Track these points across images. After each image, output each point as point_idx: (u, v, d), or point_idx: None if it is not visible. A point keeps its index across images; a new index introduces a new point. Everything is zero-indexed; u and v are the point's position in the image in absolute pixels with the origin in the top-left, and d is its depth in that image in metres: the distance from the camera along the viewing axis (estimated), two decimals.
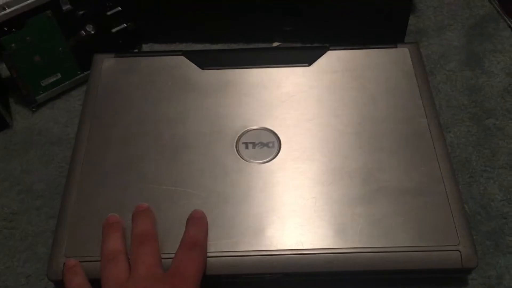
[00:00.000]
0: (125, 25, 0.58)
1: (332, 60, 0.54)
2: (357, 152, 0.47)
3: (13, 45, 0.51)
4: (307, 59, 0.54)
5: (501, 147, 0.52)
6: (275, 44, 0.62)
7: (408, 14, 0.59)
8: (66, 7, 0.53)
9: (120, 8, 0.57)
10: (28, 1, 0.51)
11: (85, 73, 0.57)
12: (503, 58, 0.59)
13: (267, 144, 0.47)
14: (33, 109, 0.56)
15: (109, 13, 0.56)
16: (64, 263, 0.41)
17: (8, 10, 0.50)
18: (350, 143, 0.47)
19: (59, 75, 0.56)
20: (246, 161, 0.46)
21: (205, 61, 0.54)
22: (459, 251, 0.41)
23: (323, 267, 0.41)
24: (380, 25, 0.58)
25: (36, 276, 0.44)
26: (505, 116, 0.54)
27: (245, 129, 0.48)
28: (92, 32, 0.56)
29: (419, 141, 0.47)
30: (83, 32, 0.56)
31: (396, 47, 0.55)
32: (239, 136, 0.48)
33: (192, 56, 0.54)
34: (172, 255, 0.40)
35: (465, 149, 0.52)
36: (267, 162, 0.46)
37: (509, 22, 0.63)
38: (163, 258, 0.41)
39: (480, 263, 0.44)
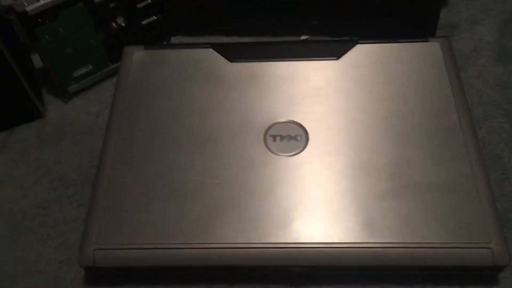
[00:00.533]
0: (154, 17, 0.59)
1: (361, 54, 0.53)
2: (385, 147, 0.46)
3: (46, 36, 0.52)
4: (336, 53, 0.53)
5: None
6: (303, 37, 0.62)
7: (440, 7, 0.58)
8: None
9: (150, 1, 0.57)
10: None
11: (116, 64, 0.58)
12: None
13: (294, 137, 0.47)
14: (65, 100, 0.57)
15: (139, 5, 0.57)
16: (94, 250, 0.41)
17: (42, 2, 0.51)
18: (378, 138, 0.47)
19: (90, 67, 0.57)
20: (273, 153, 0.46)
21: (233, 53, 0.54)
22: (491, 249, 0.40)
23: (351, 261, 0.41)
24: (411, 19, 0.58)
25: (67, 262, 0.45)
26: None
27: (272, 122, 0.48)
28: (123, 25, 0.57)
29: (449, 136, 0.47)
30: (114, 24, 0.56)
31: (427, 41, 0.54)
32: (266, 129, 0.48)
33: (220, 49, 0.54)
34: (197, 245, 0.41)
35: (497, 146, 0.51)
36: (295, 155, 0.46)
37: None
38: (188, 248, 0.41)
39: None
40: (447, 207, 0.42)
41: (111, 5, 0.55)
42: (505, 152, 0.50)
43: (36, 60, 0.58)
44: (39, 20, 0.51)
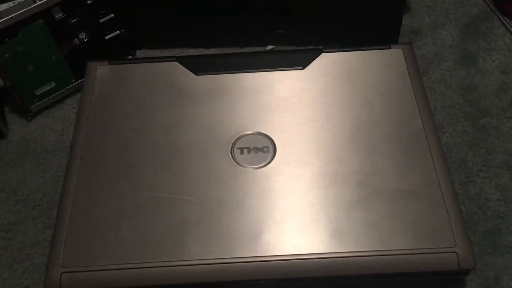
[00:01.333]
0: (118, 32, 0.58)
1: (326, 63, 0.54)
2: (352, 155, 0.47)
3: (6, 55, 0.51)
4: (301, 62, 0.54)
5: (497, 146, 0.52)
6: (269, 47, 0.62)
7: (402, 14, 0.59)
8: (59, 15, 0.53)
9: (113, 15, 0.57)
10: (21, 11, 0.51)
11: (79, 81, 0.57)
12: (497, 56, 0.59)
13: (262, 149, 0.47)
14: (28, 118, 0.56)
15: (102, 20, 0.56)
16: (60, 274, 0.41)
17: (0, 20, 0.50)
18: (345, 146, 0.47)
19: (53, 84, 0.56)
20: (241, 166, 0.46)
21: (199, 66, 0.54)
22: (456, 253, 0.41)
23: (320, 272, 0.41)
24: (374, 26, 0.59)
25: (34, 286, 0.44)
26: (500, 114, 0.54)
27: (240, 134, 0.48)
28: (85, 40, 0.56)
29: (414, 143, 0.47)
30: (76, 40, 0.56)
31: (389, 48, 0.55)
32: (234, 141, 0.48)
33: (186, 62, 0.54)
34: (168, 263, 0.41)
35: (460, 149, 0.52)
36: (262, 167, 0.46)
37: (502, 20, 0.63)
38: (158, 267, 0.41)
39: (478, 263, 0.44)
40: (413, 214, 0.43)
41: (73, 20, 0.54)
42: (468, 155, 0.51)
43: None
44: None
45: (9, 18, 0.50)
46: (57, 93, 0.57)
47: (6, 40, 0.51)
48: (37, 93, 0.55)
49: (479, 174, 0.50)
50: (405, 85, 0.51)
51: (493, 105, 0.55)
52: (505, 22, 0.62)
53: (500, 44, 0.60)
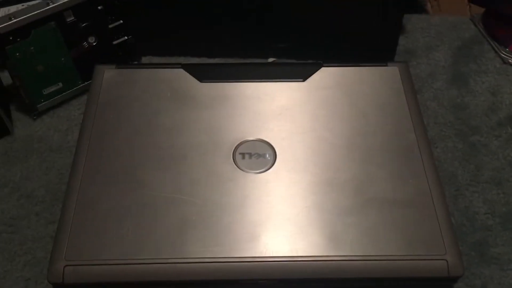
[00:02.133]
0: (125, 37, 0.60)
1: (326, 76, 0.56)
2: (348, 165, 0.49)
3: (17, 54, 0.53)
4: (302, 75, 0.56)
5: (486, 162, 0.54)
6: (270, 59, 0.64)
7: (398, 34, 0.62)
8: (70, 19, 0.55)
9: (121, 22, 0.59)
10: (33, 12, 0.52)
11: (86, 83, 0.59)
12: (487, 78, 0.62)
13: (263, 155, 0.49)
14: (34, 117, 0.57)
15: (111, 26, 0.58)
16: (64, 267, 0.42)
17: (14, 20, 0.52)
18: (341, 156, 0.49)
19: (60, 85, 0.57)
20: (242, 170, 0.48)
21: (203, 74, 0.56)
22: (446, 260, 0.43)
23: (316, 274, 0.43)
24: (372, 45, 0.61)
25: (34, 280, 0.45)
26: (489, 133, 0.57)
27: (241, 140, 0.50)
28: (94, 44, 0.58)
29: (407, 155, 0.49)
30: (85, 43, 0.57)
31: (386, 66, 0.57)
32: (236, 147, 0.50)
33: (191, 69, 0.56)
34: (168, 261, 0.42)
35: (451, 164, 0.54)
36: (262, 172, 0.48)
37: (493, 45, 0.66)
38: (159, 263, 0.42)
39: (466, 272, 0.46)
40: (406, 221, 0.45)
41: (83, 24, 0.56)
42: (459, 170, 0.53)
43: (5, 77, 0.58)
44: (10, 38, 0.52)
45: (23, 18, 0.52)
46: (64, 93, 0.58)
47: (18, 39, 0.52)
48: (44, 93, 0.57)
49: (468, 188, 0.52)
50: (400, 101, 0.54)
51: (482, 124, 0.57)
52: (495, 47, 0.66)
53: (490, 67, 0.63)
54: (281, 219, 0.45)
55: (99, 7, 0.56)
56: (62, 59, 0.56)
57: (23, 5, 0.56)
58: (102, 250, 0.43)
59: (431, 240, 0.44)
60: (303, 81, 0.56)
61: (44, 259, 0.46)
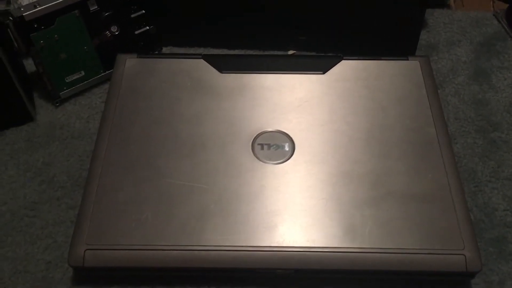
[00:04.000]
0: (147, 27, 0.60)
1: (346, 69, 0.56)
2: (366, 157, 0.49)
3: (41, 41, 0.54)
4: (322, 67, 0.56)
5: (506, 159, 0.53)
6: (290, 52, 0.64)
7: (420, 29, 0.62)
8: (93, 8, 0.56)
9: (144, 11, 0.59)
10: (58, 1, 0.53)
11: (107, 72, 0.60)
12: (509, 74, 0.61)
13: (281, 146, 0.49)
14: (57, 104, 0.58)
15: (133, 15, 0.59)
16: (84, 251, 0.42)
17: (38, 8, 0.52)
18: (360, 149, 0.49)
19: (82, 73, 0.58)
20: (261, 161, 0.48)
21: (224, 65, 0.56)
22: (464, 255, 0.42)
23: (332, 265, 0.43)
24: (393, 39, 0.61)
25: (55, 263, 0.46)
26: (511, 130, 0.56)
27: (260, 131, 0.50)
28: (116, 33, 0.59)
29: (427, 149, 0.49)
30: (107, 32, 0.58)
31: (407, 60, 0.57)
32: (254, 138, 0.50)
33: (211, 60, 0.56)
34: (186, 248, 0.42)
35: (471, 160, 0.53)
36: (281, 163, 0.48)
37: None
38: (177, 250, 0.42)
39: (483, 268, 0.45)
40: (424, 215, 0.45)
41: (106, 13, 0.57)
42: (478, 166, 0.53)
43: (29, 65, 0.59)
44: (35, 25, 0.53)
45: (48, 6, 0.53)
46: (86, 82, 0.59)
47: (43, 27, 0.53)
48: (67, 81, 0.58)
49: (487, 185, 0.51)
50: (421, 95, 0.54)
51: (504, 120, 0.57)
52: None
53: None
54: (298, 209, 0.45)
55: None
56: (85, 47, 0.57)
57: None
58: (122, 235, 0.44)
59: (449, 235, 0.44)
60: (323, 73, 0.56)
61: (65, 243, 0.47)
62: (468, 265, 0.42)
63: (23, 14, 0.52)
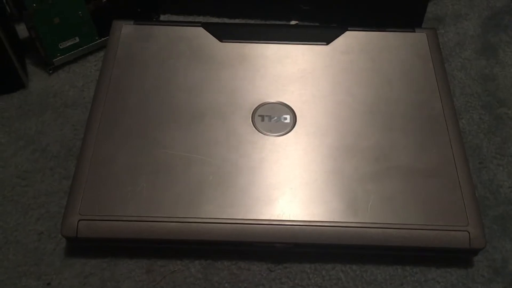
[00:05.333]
0: None
1: (350, 41, 0.54)
2: (370, 131, 0.47)
3: (34, 5, 0.51)
4: (326, 38, 0.54)
5: None
6: (293, 22, 0.62)
7: (427, 0, 0.59)
8: None
9: None
10: None
11: (103, 39, 0.57)
12: None
13: (282, 118, 0.48)
14: (50, 71, 0.56)
15: None
16: (78, 221, 0.41)
17: None
18: (363, 122, 0.48)
19: (77, 39, 0.56)
20: (261, 133, 0.47)
21: (224, 33, 0.54)
22: (468, 232, 0.41)
23: (332, 240, 0.42)
24: (399, 10, 0.59)
25: (48, 233, 0.45)
26: None
27: (261, 102, 0.49)
28: None
29: (432, 124, 0.48)
30: None
31: (414, 32, 0.55)
32: (255, 109, 0.48)
33: (211, 28, 0.54)
34: (183, 220, 0.41)
35: (476, 136, 0.52)
36: (282, 135, 0.47)
37: None
38: (173, 222, 0.41)
39: (487, 246, 0.44)
40: (428, 191, 0.44)
41: None
42: (484, 142, 0.52)
43: (21, 30, 0.57)
44: None
45: None
46: (80, 49, 0.57)
47: None
48: (61, 47, 0.55)
49: (493, 161, 0.50)
50: (427, 68, 0.52)
51: (511, 96, 0.55)
52: None
53: None
54: (299, 183, 0.44)
55: None
56: (79, 12, 0.55)
57: None
58: (116, 206, 0.42)
59: (454, 211, 0.43)
60: (327, 44, 0.54)
61: (58, 213, 0.46)
62: (472, 241, 0.41)
63: None
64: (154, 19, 0.61)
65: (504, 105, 0.55)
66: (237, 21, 0.62)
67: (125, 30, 0.54)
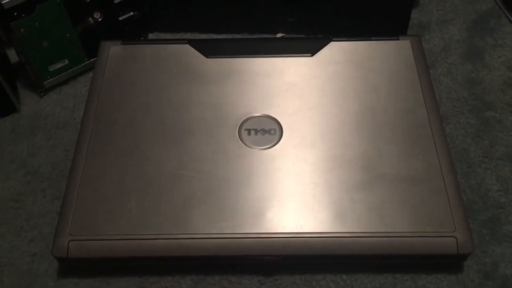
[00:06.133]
0: (131, 13, 0.59)
1: (335, 51, 0.55)
2: (357, 141, 0.48)
3: (22, 30, 0.52)
4: (310, 50, 0.55)
5: (500, 139, 0.52)
6: (279, 35, 0.63)
7: (411, 7, 0.60)
8: None
9: None
10: None
11: (92, 59, 0.58)
12: (503, 52, 0.60)
13: (269, 131, 0.48)
14: (41, 94, 0.57)
15: (116, 1, 0.57)
16: (68, 242, 0.42)
17: None
18: (350, 132, 0.48)
19: (66, 61, 0.57)
20: (248, 147, 0.47)
21: (210, 49, 0.55)
22: (455, 238, 0.42)
23: (321, 251, 0.42)
24: (383, 18, 0.59)
25: (41, 254, 0.45)
26: (504, 109, 0.55)
27: (247, 116, 0.49)
28: (100, 20, 0.57)
29: (418, 131, 0.48)
30: (90, 19, 0.57)
31: (398, 39, 0.55)
32: (241, 123, 0.49)
33: (197, 45, 0.55)
34: (173, 236, 0.41)
35: (464, 140, 0.52)
36: (268, 148, 0.47)
37: (510, 17, 0.63)
38: (163, 239, 0.42)
39: (476, 250, 0.45)
40: (415, 198, 0.44)
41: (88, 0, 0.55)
42: (471, 147, 0.52)
43: (12, 54, 0.58)
44: (15, 13, 0.51)
45: None
46: (70, 70, 0.58)
47: (23, 15, 0.52)
48: (50, 70, 0.56)
49: (480, 165, 0.50)
50: (412, 76, 0.52)
51: (497, 99, 0.56)
52: None
53: (507, 41, 0.61)
54: (287, 195, 0.44)
55: None
56: (68, 35, 0.56)
57: None
58: (106, 225, 0.43)
59: (441, 217, 0.43)
60: (311, 56, 0.54)
61: (50, 234, 0.46)
62: (459, 247, 0.41)
63: (2, 2, 0.50)
64: (143, 38, 0.62)
65: (491, 108, 0.55)
66: (224, 35, 0.63)
67: (113, 50, 0.55)
